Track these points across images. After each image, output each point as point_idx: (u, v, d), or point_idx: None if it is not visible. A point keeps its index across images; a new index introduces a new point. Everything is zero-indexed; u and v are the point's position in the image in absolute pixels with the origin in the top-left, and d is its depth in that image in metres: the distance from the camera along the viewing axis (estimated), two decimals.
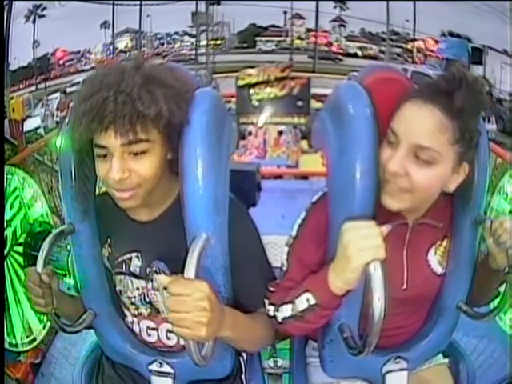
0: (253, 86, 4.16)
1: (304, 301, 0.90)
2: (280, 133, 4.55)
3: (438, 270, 1.03)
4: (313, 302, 0.89)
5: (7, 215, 2.06)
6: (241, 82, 4.17)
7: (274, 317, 0.99)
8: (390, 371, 1.08)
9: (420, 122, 0.86)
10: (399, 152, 0.87)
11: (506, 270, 0.96)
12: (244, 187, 1.22)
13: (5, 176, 2.05)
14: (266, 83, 4.20)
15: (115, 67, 0.90)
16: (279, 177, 4.34)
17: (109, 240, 1.06)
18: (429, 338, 1.08)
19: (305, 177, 4.33)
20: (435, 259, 1.02)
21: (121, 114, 0.84)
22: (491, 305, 1.07)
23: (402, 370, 1.08)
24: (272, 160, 4.50)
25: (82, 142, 0.91)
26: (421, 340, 1.09)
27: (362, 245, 0.80)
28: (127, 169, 0.89)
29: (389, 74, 1.02)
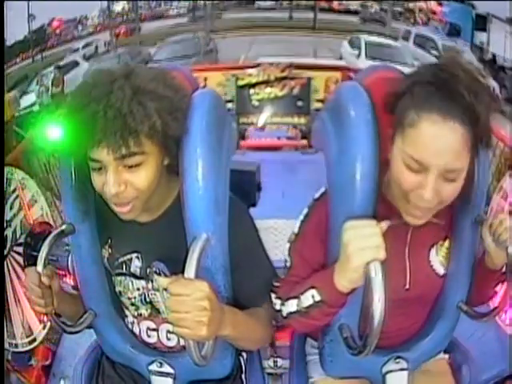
0: (253, 86, 4.15)
1: (309, 297, 0.90)
2: None
3: (441, 270, 1.03)
4: (318, 298, 0.89)
5: (7, 215, 2.06)
6: (241, 82, 4.16)
7: (280, 311, 0.99)
8: (390, 371, 1.08)
9: (446, 145, 0.80)
10: (430, 180, 0.82)
11: (504, 270, 0.96)
12: (244, 187, 1.22)
13: (5, 176, 2.05)
14: (266, 83, 4.19)
15: (104, 75, 0.87)
16: (279, 148, 4.23)
17: (109, 241, 1.06)
18: (429, 338, 1.08)
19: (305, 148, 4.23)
20: (437, 260, 1.02)
21: (112, 131, 0.81)
22: (491, 305, 1.07)
23: (402, 369, 1.08)
24: (272, 132, 4.38)
25: (75, 154, 0.90)
26: (421, 340, 1.09)
27: (362, 244, 0.80)
28: (123, 182, 0.87)
29: (389, 74, 1.02)
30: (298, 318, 0.95)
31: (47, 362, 2.07)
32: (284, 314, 0.97)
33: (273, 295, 1.02)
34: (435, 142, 0.80)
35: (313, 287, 0.90)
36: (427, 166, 0.82)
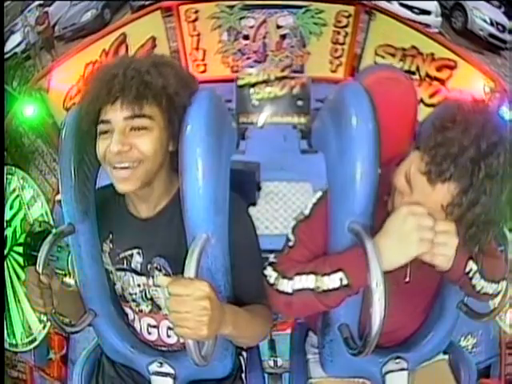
0: (253, 85, 4.13)
1: (336, 279, 0.89)
2: (283, 36, 4.21)
3: None
4: (345, 282, 0.88)
5: (7, 215, 2.07)
6: (241, 82, 4.14)
7: (273, 284, 0.96)
8: (390, 371, 1.08)
9: None
10: None
11: None
12: (244, 186, 1.22)
13: (5, 176, 2.05)
14: (266, 82, 4.16)
15: (126, 56, 1.04)
16: None
17: (110, 236, 1.06)
18: (429, 339, 1.08)
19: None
20: None
21: (128, 85, 0.89)
22: (491, 305, 1.07)
23: (402, 370, 1.08)
24: (273, 64, 4.23)
25: (88, 117, 0.94)
26: (421, 340, 1.09)
27: (423, 235, 0.84)
28: (128, 143, 0.91)
29: (390, 74, 1.02)
30: (307, 297, 0.92)
31: (64, 351, 2.08)
32: (290, 289, 0.94)
33: (269, 268, 0.99)
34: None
35: (340, 270, 0.89)
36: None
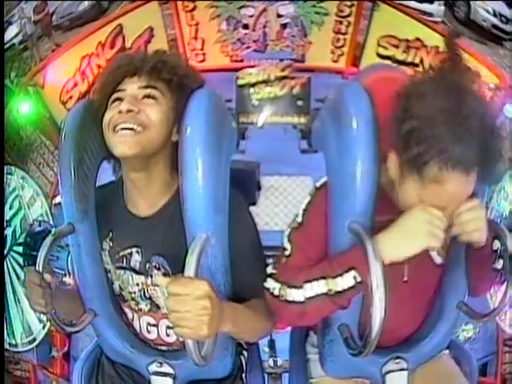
0: (253, 85, 4.12)
1: (350, 278, 0.88)
2: (284, 25, 4.12)
3: (438, 259, 1.02)
4: (359, 279, 0.88)
5: (7, 215, 2.07)
6: (241, 82, 4.13)
7: (278, 296, 0.95)
8: (390, 371, 1.08)
9: (464, 192, 0.87)
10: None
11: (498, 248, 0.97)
12: (244, 186, 1.22)
13: (5, 176, 2.05)
14: (266, 82, 4.15)
15: None
16: None
17: (110, 234, 1.07)
18: (429, 339, 1.08)
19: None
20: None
21: (147, 59, 0.99)
22: (491, 305, 1.07)
23: (402, 370, 1.08)
24: (273, 54, 4.18)
25: (104, 90, 0.99)
26: (421, 340, 1.09)
27: (433, 230, 0.85)
28: (138, 106, 0.96)
29: (390, 73, 1.02)
30: (323, 301, 0.91)
31: (66, 349, 2.08)
32: (300, 297, 0.92)
33: (270, 280, 0.97)
34: (457, 193, 0.86)
35: (352, 268, 0.88)
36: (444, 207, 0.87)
